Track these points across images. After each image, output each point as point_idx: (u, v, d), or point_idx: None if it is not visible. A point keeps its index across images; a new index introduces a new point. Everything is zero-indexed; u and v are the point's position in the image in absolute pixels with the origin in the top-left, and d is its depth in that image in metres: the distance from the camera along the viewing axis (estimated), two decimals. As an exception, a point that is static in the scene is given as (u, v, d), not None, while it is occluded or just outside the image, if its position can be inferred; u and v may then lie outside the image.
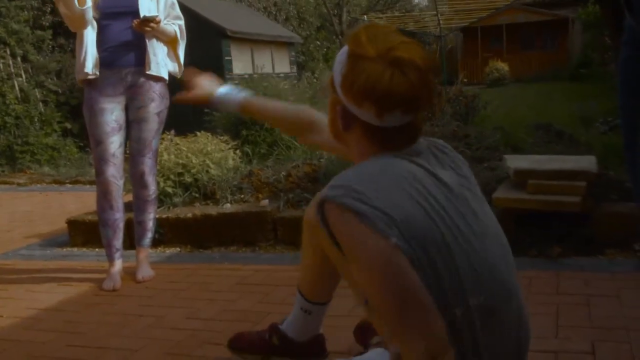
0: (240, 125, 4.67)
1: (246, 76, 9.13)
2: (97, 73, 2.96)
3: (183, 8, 8.16)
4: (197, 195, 4.05)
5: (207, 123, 6.31)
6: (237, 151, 4.40)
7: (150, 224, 3.22)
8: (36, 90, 9.20)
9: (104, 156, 2.99)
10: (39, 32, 9.52)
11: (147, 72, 3.01)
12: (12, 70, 8.79)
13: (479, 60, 22.69)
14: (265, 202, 3.69)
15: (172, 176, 4.02)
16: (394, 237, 1.23)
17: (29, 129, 8.53)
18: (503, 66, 20.96)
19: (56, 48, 10.18)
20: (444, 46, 24.74)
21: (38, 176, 8.06)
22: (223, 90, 1.97)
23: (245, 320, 2.45)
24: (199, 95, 1.99)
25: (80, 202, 5.87)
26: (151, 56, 3.01)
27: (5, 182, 7.89)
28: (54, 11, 10.40)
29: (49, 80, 9.52)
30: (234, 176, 4.11)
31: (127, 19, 2.95)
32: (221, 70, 8.39)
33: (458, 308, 1.26)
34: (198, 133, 4.39)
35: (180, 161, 4.03)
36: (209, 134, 4.46)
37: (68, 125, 9.28)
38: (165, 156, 4.02)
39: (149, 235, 3.23)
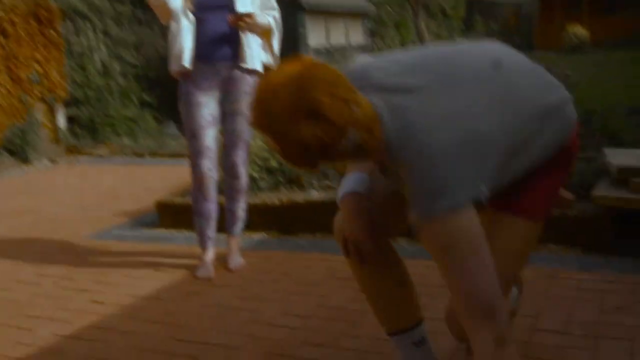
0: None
1: (322, 50, 9.06)
2: (191, 67, 2.99)
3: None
4: (281, 179, 4.06)
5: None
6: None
7: (242, 213, 3.26)
8: (115, 63, 9.40)
9: (200, 149, 3.04)
10: (118, 6, 9.68)
11: (242, 66, 3.02)
12: (94, 45, 8.99)
13: (556, 25, 21.75)
14: (353, 190, 3.66)
15: (258, 161, 4.05)
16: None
17: (109, 102, 8.75)
18: (582, 31, 20.00)
19: (134, 20, 10.35)
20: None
21: (118, 148, 8.29)
22: (359, 186, 1.72)
23: (343, 319, 2.46)
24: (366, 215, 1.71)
25: (161, 177, 6.04)
26: (246, 49, 3.01)
27: (88, 153, 8.17)
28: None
29: (128, 53, 9.71)
30: (318, 161, 4.09)
31: (222, 12, 2.96)
32: (297, 43, 8.35)
33: None
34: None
35: (266, 146, 4.03)
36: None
37: (146, 98, 9.46)
38: (251, 141, 4.04)
39: (240, 224, 3.27)
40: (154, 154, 7.51)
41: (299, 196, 3.76)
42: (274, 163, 4.04)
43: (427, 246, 1.43)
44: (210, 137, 3.05)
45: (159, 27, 10.58)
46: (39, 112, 8.11)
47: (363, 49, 10.25)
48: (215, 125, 3.10)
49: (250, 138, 3.20)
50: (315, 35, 8.69)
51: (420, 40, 16.63)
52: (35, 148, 7.75)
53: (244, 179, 3.19)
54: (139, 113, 9.19)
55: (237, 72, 3.04)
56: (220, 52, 3.00)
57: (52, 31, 8.18)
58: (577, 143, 1.66)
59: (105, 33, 9.27)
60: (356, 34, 9.98)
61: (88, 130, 8.64)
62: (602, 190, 2.96)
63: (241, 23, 2.91)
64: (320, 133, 1.31)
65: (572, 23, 20.51)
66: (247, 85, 3.06)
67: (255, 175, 4.00)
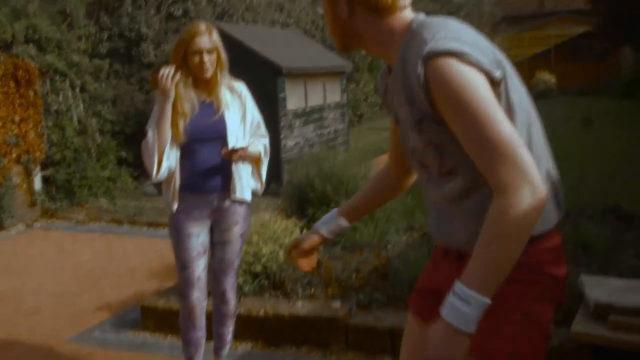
0: (306, 203, 4.70)
1: (299, 111, 9.19)
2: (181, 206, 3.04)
3: (241, 47, 8.30)
4: (266, 283, 4.11)
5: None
6: (304, 231, 4.44)
7: (230, 337, 3.30)
8: (93, 119, 9.38)
9: (190, 280, 3.07)
10: (96, 61, 9.69)
11: (232, 197, 3.07)
12: (71, 102, 8.98)
13: (525, 70, 22.33)
14: (337, 304, 3.74)
15: (243, 265, 4.09)
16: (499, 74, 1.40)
17: (87, 162, 8.71)
18: (550, 77, 20.57)
19: (111, 74, 10.37)
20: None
21: (96, 211, 8.26)
22: (322, 225, 2.01)
23: None
24: (312, 245, 2.03)
25: (140, 251, 6.04)
26: (236, 181, 3.04)
27: (64, 217, 8.12)
28: (110, 37, 10.60)
29: (105, 108, 9.69)
30: (302, 265, 4.15)
31: (214, 144, 2.99)
32: (275, 106, 8.45)
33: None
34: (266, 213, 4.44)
35: (251, 250, 4.09)
36: (275, 213, 4.51)
37: (123, 154, 9.45)
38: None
39: (227, 347, 3.32)
40: (132, 222, 7.50)
41: (284, 307, 3.81)
42: (258, 267, 4.09)
43: (440, 95, 1.38)
44: (200, 267, 3.09)
45: (137, 80, 10.64)
46: (15, 175, 8.05)
47: (338, 106, 10.42)
48: (206, 254, 3.14)
49: (239, 264, 3.24)
50: (294, 100, 8.82)
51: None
52: (11, 213, 7.66)
53: (232, 304, 3.24)
54: (117, 172, 9.16)
55: (228, 202, 3.06)
56: (212, 184, 3.02)
57: (30, 91, 8.16)
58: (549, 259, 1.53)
59: (83, 89, 9.26)
60: (333, 93, 10.14)
61: (65, 192, 8.57)
62: (581, 326, 3.05)
63: (234, 156, 2.95)
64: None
65: (540, 70, 21.08)
66: (238, 215, 3.10)
67: (240, 279, 4.04)
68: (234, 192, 3.05)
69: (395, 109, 1.61)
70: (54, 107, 8.68)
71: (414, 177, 1.95)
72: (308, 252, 2.05)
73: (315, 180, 4.66)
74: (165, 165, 2.93)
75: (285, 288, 4.03)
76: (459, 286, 1.33)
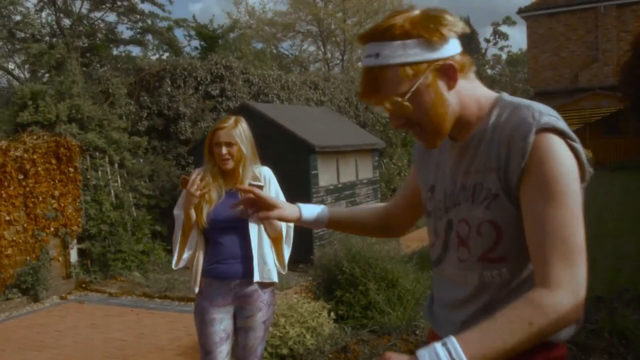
0: (334, 284, 4.69)
1: (331, 187, 9.28)
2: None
3: (274, 125, 8.52)
4: (292, 366, 4.07)
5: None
6: (331, 313, 4.42)
7: None
8: (130, 194, 9.61)
9: None
10: (135, 138, 10.01)
11: (257, 281, 3.06)
12: (110, 177, 9.24)
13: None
14: (364, 391, 3.67)
15: (269, 348, 4.07)
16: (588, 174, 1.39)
17: (122, 236, 8.88)
18: (586, 152, 20.41)
19: (149, 150, 10.68)
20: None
21: (128, 285, 8.35)
22: (306, 209, 1.88)
23: None
24: (286, 216, 1.86)
25: (169, 329, 6.04)
26: (261, 264, 3.07)
27: (98, 291, 8.22)
28: (149, 116, 10.99)
29: (142, 183, 9.94)
30: (330, 348, 4.12)
31: (236, 233, 3.06)
32: (308, 183, 8.56)
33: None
34: (294, 295, 4.44)
35: (278, 333, 4.07)
36: (302, 295, 4.50)
37: (158, 228, 9.61)
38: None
39: None
40: (164, 296, 7.56)
41: (310, 393, 3.76)
42: (285, 350, 4.06)
43: (536, 170, 1.33)
44: (223, 354, 3.10)
45: (174, 156, 10.92)
46: (52, 248, 8.24)
47: (371, 182, 10.49)
48: (229, 339, 3.14)
49: (263, 351, 3.22)
50: (326, 177, 8.93)
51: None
52: (46, 285, 7.80)
53: None
54: (150, 245, 9.30)
55: (251, 288, 3.08)
56: (234, 271, 3.06)
57: (70, 168, 8.45)
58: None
59: (121, 165, 9.54)
60: (365, 169, 10.24)
61: (99, 265, 8.71)
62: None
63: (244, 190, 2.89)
64: None
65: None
66: (261, 302, 3.11)
67: (266, 363, 4.01)
68: (258, 276, 3.05)
69: (446, 178, 1.53)
70: (93, 182, 8.94)
71: (404, 232, 1.93)
72: (263, 205, 1.85)
73: (344, 262, 4.66)
74: (185, 256, 3.05)
75: (312, 373, 3.98)
76: (452, 341, 1.21)
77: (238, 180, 3.06)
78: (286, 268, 3.28)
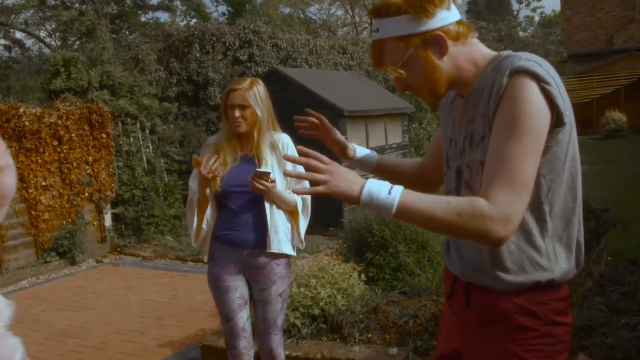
0: (364, 247, 4.73)
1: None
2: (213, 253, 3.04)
3: (304, 90, 8.51)
4: (324, 326, 4.14)
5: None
6: (362, 275, 4.47)
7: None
8: (161, 160, 9.74)
9: (235, 331, 3.07)
10: (166, 105, 10.09)
11: (269, 252, 2.96)
12: (141, 144, 9.36)
13: (594, 109, 21.80)
14: (394, 351, 3.72)
15: (301, 309, 4.14)
16: (568, 118, 1.46)
17: (155, 201, 9.03)
18: (621, 117, 19.98)
19: (179, 116, 10.77)
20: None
21: (162, 248, 8.53)
22: (359, 150, 2.07)
23: None
24: (346, 148, 2.05)
25: (203, 290, 6.18)
26: (272, 234, 2.95)
27: (132, 254, 8.42)
28: (179, 82, 11.05)
29: (173, 149, 10.05)
30: (360, 309, 4.17)
31: (249, 199, 2.94)
32: (336, 148, 8.55)
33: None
34: (325, 257, 4.48)
35: (309, 294, 4.13)
36: (333, 258, 4.55)
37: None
38: (295, 289, 4.15)
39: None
40: (197, 260, 7.70)
41: (341, 352, 3.82)
42: (316, 311, 4.12)
43: (504, 106, 1.46)
44: (244, 319, 3.07)
45: (204, 122, 11.00)
46: (87, 213, 8.43)
47: (400, 147, 10.44)
48: (247, 306, 3.10)
49: (283, 321, 3.17)
50: (356, 141, 8.89)
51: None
52: (82, 249, 8.01)
53: (281, 359, 3.21)
54: (183, 210, 9.44)
55: (264, 260, 2.98)
56: (244, 237, 2.96)
57: (103, 134, 8.59)
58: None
59: (153, 131, 9.65)
60: (395, 134, 10.18)
61: (133, 229, 8.89)
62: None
63: (260, 185, 2.80)
64: None
65: (610, 109, 20.52)
66: (274, 275, 3.00)
67: (298, 323, 4.08)
68: (269, 246, 2.95)
69: (456, 130, 1.68)
70: (125, 149, 9.07)
71: (438, 187, 2.03)
72: (326, 133, 2.06)
73: (374, 225, 4.69)
74: (203, 232, 2.99)
75: (343, 332, 4.04)
76: (399, 187, 1.45)
77: (254, 145, 2.96)
78: (304, 243, 3.18)
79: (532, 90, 1.42)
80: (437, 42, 1.54)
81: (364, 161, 2.06)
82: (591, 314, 3.72)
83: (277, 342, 3.14)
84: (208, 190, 2.90)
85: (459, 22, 1.57)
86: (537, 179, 1.47)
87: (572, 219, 1.57)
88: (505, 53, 1.56)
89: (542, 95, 1.42)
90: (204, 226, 3.00)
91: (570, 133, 1.50)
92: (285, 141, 3.03)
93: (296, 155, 2.95)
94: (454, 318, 1.75)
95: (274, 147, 3.01)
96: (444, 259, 1.81)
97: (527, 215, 1.50)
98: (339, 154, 2.07)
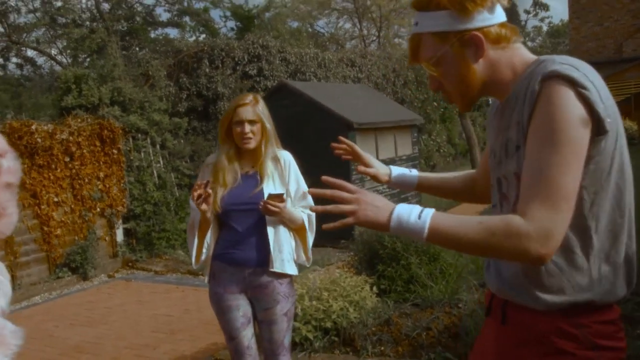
0: (376, 259, 4.72)
1: (370, 166, 9.26)
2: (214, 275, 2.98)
3: (312, 103, 8.54)
4: (336, 339, 4.13)
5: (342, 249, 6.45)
6: (374, 287, 4.45)
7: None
8: (172, 174, 9.78)
9: (239, 349, 3.01)
10: (176, 119, 10.16)
11: (271, 270, 2.88)
12: (152, 158, 9.41)
13: (604, 117, 21.68)
14: (407, 363, 3.70)
15: (313, 322, 4.13)
16: (610, 124, 1.36)
17: (166, 215, 9.06)
18: (631, 125, 19.87)
19: (189, 131, 10.83)
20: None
21: (173, 263, 8.55)
22: (395, 170, 2.04)
23: None
24: (376, 174, 2.01)
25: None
26: (275, 254, 2.88)
27: (144, 269, 8.44)
28: (189, 97, 11.12)
29: (183, 163, 10.11)
30: (373, 321, 4.16)
31: (252, 217, 2.86)
32: (347, 166, 8.57)
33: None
34: (336, 270, 4.48)
35: (321, 307, 4.12)
36: (344, 270, 4.55)
37: (199, 207, 9.77)
38: (307, 302, 4.14)
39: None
40: (207, 274, 7.69)
41: (353, 365, 3.81)
42: (328, 324, 4.11)
43: (538, 115, 1.37)
44: (248, 336, 3.00)
45: (214, 136, 11.05)
46: (99, 228, 8.47)
47: (410, 158, 10.44)
48: (251, 324, 3.03)
49: (289, 341, 3.09)
50: (365, 151, 8.90)
51: (466, 132, 16.86)
52: (94, 264, 8.04)
53: None
54: (193, 224, 9.47)
55: (267, 279, 2.90)
56: (246, 256, 2.89)
57: (114, 149, 8.64)
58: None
59: (163, 146, 9.70)
60: (404, 145, 10.18)
61: (145, 244, 8.93)
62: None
63: (272, 208, 2.75)
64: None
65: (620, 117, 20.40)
66: (277, 294, 2.92)
67: (310, 336, 4.08)
68: (272, 265, 2.87)
69: (494, 139, 1.61)
70: (136, 164, 9.13)
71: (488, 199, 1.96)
72: (358, 158, 2.05)
73: (385, 237, 4.68)
74: (204, 257, 2.94)
75: (355, 345, 4.03)
76: (430, 209, 1.41)
77: (257, 161, 2.91)
78: (310, 259, 3.11)
79: (567, 96, 1.33)
80: (474, 42, 1.47)
81: (402, 183, 2.02)
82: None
83: None
84: (209, 213, 2.82)
85: (502, 25, 1.49)
86: (579, 192, 1.37)
87: (620, 235, 1.44)
88: (543, 57, 1.48)
89: (579, 101, 1.33)
90: (204, 249, 2.93)
91: (615, 141, 1.39)
92: (286, 158, 2.99)
93: (298, 171, 3.01)
94: (491, 337, 1.66)
95: (276, 162, 2.96)
96: (484, 275, 1.73)
97: (568, 232, 1.38)
98: (373, 179, 2.02)
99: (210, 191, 2.76)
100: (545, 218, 1.31)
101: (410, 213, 1.40)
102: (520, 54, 1.52)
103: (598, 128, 1.35)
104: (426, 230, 1.38)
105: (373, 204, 1.44)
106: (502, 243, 1.33)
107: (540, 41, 34.19)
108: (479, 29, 1.46)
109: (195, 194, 2.73)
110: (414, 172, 2.02)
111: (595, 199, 1.40)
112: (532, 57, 1.52)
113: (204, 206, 2.75)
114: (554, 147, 1.33)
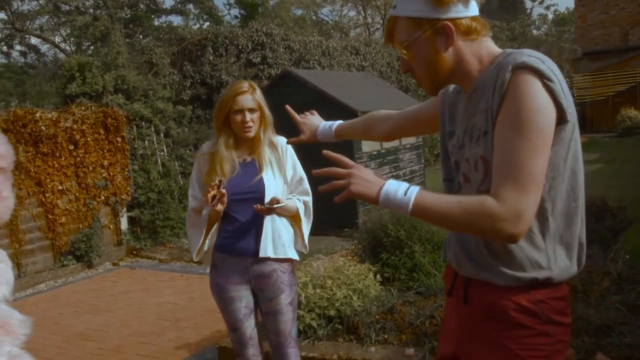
0: (379, 247, 4.73)
1: (374, 152, 9.26)
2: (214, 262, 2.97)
3: (316, 91, 8.52)
4: (340, 327, 4.14)
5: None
6: (377, 276, 4.46)
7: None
8: (176, 163, 9.79)
9: (242, 340, 3.01)
10: (180, 107, 10.15)
11: (273, 258, 2.89)
12: (156, 147, 9.41)
13: (609, 106, 21.61)
14: (411, 351, 3.71)
15: (317, 309, 4.14)
16: (570, 115, 1.46)
17: (170, 204, 9.08)
18: (636, 114, 19.79)
19: (193, 119, 10.82)
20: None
21: (177, 251, 8.57)
22: (320, 127, 2.31)
23: None
24: (307, 139, 2.34)
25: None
26: (275, 240, 2.89)
27: (148, 257, 8.47)
28: (193, 85, 11.10)
29: (187, 152, 10.11)
30: (376, 310, 4.16)
31: (251, 205, 2.83)
32: (351, 149, 8.55)
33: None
34: (340, 258, 4.49)
35: (325, 295, 4.13)
36: (348, 258, 4.55)
37: (203, 196, 9.80)
38: (310, 290, 4.15)
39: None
40: (211, 262, 7.72)
41: (357, 352, 3.82)
42: (332, 312, 4.12)
43: (508, 103, 1.46)
44: (250, 327, 3.00)
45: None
46: (103, 216, 8.49)
47: (414, 147, 10.43)
48: (253, 314, 3.03)
49: (297, 332, 3.10)
50: (369, 142, 8.90)
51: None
52: (99, 252, 8.07)
53: None
54: (197, 212, 9.48)
55: (269, 268, 2.89)
56: (247, 245, 2.88)
57: (118, 138, 8.65)
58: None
59: (167, 134, 9.70)
60: (408, 134, 10.16)
61: (149, 232, 8.95)
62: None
63: (265, 210, 2.77)
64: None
65: (625, 107, 20.33)
66: (281, 283, 2.91)
67: (314, 323, 4.09)
68: (273, 252, 2.88)
69: (459, 124, 1.70)
70: (140, 152, 9.13)
71: (386, 139, 2.23)
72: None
73: (389, 225, 4.68)
74: (206, 246, 2.92)
75: (359, 333, 4.04)
76: (415, 187, 1.51)
77: (255, 149, 2.91)
78: (307, 247, 3.11)
79: (535, 86, 1.43)
80: (445, 32, 1.55)
81: (324, 137, 2.29)
82: (609, 312, 3.69)
83: (295, 355, 3.06)
84: (220, 206, 2.78)
85: (474, 18, 1.58)
86: None
87: (574, 218, 1.57)
88: (509, 50, 1.57)
89: (546, 91, 1.43)
90: (207, 240, 2.92)
91: (572, 131, 1.51)
92: (283, 143, 2.98)
93: (295, 157, 3.03)
94: (454, 316, 1.76)
95: (273, 148, 2.96)
96: (443, 255, 1.84)
97: None
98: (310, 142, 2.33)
99: (224, 191, 2.75)
100: (516, 200, 1.41)
101: (398, 189, 1.51)
102: (488, 46, 1.61)
103: (560, 117, 1.46)
104: (410, 206, 1.49)
105: (365, 178, 1.55)
106: (478, 221, 1.44)
107: (546, 29, 33.97)
108: (452, 20, 1.55)
109: (210, 195, 2.70)
110: (335, 124, 2.27)
111: (552, 183, 1.51)
112: (498, 50, 1.62)
113: (219, 207, 2.74)
114: (523, 133, 1.42)
